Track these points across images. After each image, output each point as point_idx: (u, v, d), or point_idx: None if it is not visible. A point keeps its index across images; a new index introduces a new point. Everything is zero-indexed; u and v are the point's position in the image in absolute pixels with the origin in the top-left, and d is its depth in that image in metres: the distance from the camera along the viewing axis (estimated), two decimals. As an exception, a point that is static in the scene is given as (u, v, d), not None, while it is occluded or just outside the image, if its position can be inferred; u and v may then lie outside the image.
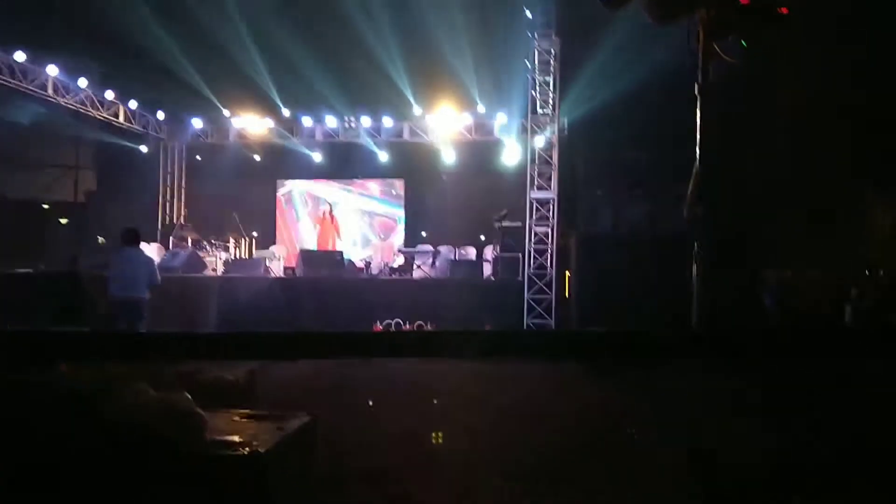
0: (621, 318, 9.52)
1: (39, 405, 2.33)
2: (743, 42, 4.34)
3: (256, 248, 15.71)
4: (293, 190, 17.27)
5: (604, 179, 10.99)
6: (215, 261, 14.28)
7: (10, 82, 12.79)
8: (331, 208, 15.41)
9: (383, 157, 16.30)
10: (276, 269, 14.09)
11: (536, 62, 12.57)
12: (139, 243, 8.51)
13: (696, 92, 4.09)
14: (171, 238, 15.30)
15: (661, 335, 1.89)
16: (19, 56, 12.86)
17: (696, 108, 4.19)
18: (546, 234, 12.57)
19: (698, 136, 4.14)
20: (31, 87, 13.29)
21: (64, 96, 14.03)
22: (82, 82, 14.36)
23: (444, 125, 15.32)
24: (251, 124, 16.22)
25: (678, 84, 4.64)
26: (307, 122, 16.07)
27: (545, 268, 12.40)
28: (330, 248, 14.40)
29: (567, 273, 13.13)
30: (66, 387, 2.40)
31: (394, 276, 13.80)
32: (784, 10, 4.09)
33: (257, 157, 16.74)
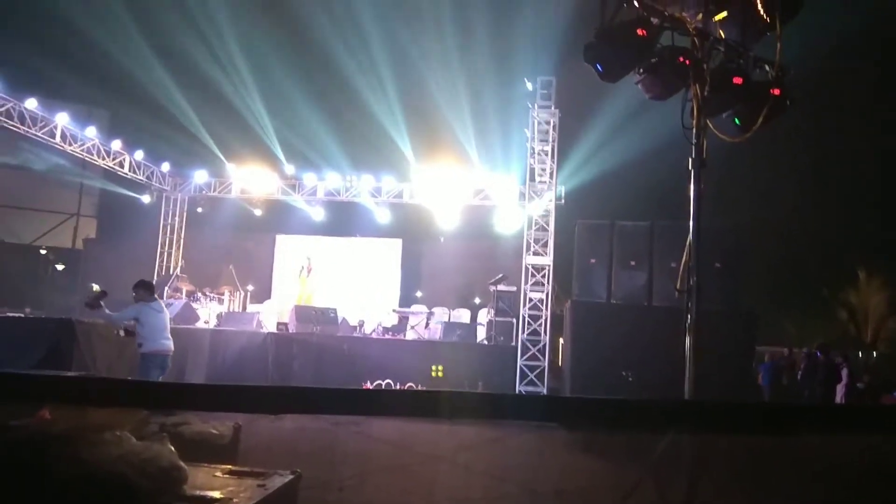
0: (614, 389, 9.42)
1: (17, 447, 2.29)
2: (736, 120, 4.47)
3: (251, 302, 15.65)
4: (291, 246, 17.33)
5: (599, 247, 11.08)
6: (209, 313, 14.20)
7: (19, 129, 13.00)
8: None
9: (382, 216, 16.45)
10: (270, 324, 13.99)
11: (535, 131, 12.87)
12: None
13: (690, 167, 4.18)
14: (165, 288, 15.25)
15: (649, 404, 1.88)
16: (31, 103, 13.12)
17: (689, 181, 4.28)
18: (541, 300, 12.57)
19: (692, 210, 4.21)
20: (39, 135, 13.50)
21: (71, 144, 14.24)
22: (90, 131, 14.61)
23: (443, 189, 15.53)
24: (254, 179, 16.43)
25: (676, 155, 4.75)
26: (309, 179, 16.28)
27: (539, 334, 12.35)
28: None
29: (560, 340, 13.08)
30: (45, 431, 2.36)
31: (387, 336, 13.70)
32: (776, 92, 4.23)
33: (258, 212, 16.89)
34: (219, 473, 2.89)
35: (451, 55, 15.40)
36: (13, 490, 2.16)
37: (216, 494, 2.52)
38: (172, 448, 2.56)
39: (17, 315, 12.71)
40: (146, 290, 7.97)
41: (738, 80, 4.25)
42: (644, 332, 9.80)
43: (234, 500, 2.47)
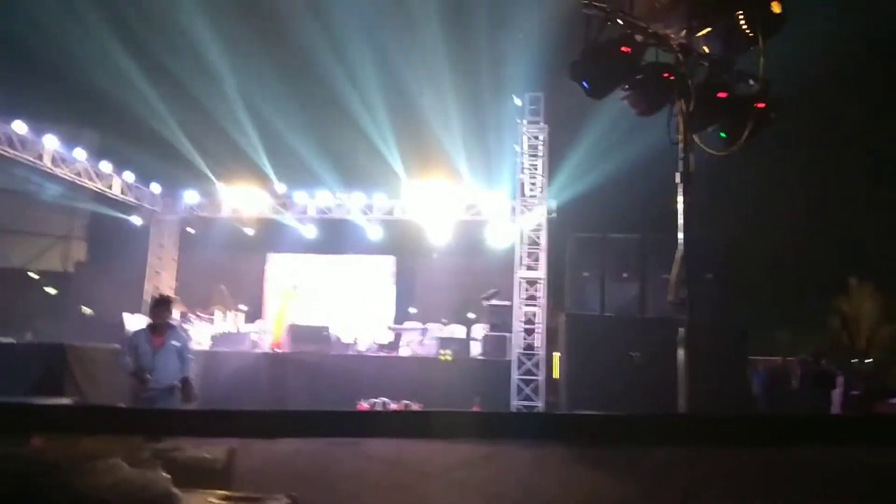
0: (610, 401, 9.42)
1: (9, 477, 2.27)
2: (722, 133, 4.53)
3: (245, 322, 15.57)
4: (282, 265, 17.27)
5: (592, 261, 11.12)
6: (200, 334, 14.11)
7: (7, 152, 12.96)
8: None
9: (375, 233, 16.45)
10: (263, 344, 13.92)
11: (525, 147, 12.95)
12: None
13: (677, 181, 4.22)
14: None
15: (641, 420, 1.89)
16: (18, 126, 13.07)
17: (677, 195, 4.32)
18: (534, 314, 12.58)
19: (680, 223, 4.25)
20: (28, 158, 13.45)
21: (60, 167, 14.20)
22: (79, 153, 14.56)
23: (434, 205, 15.58)
24: (245, 199, 16.41)
25: (666, 168, 4.79)
26: (300, 197, 16.28)
27: (533, 348, 12.35)
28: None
29: (556, 354, 13.08)
30: (38, 460, 2.34)
31: (381, 353, 13.65)
32: (761, 105, 4.29)
33: (249, 231, 16.85)
34: (213, 499, 2.88)
35: (440, 72, 15.50)
36: (6, 521, 2.15)
37: (211, 521, 2.50)
38: (166, 475, 2.55)
39: (7, 341, 12.60)
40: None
41: (722, 95, 4.30)
42: (638, 344, 9.83)
43: (230, 526, 2.46)
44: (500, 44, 14.69)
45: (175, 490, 2.47)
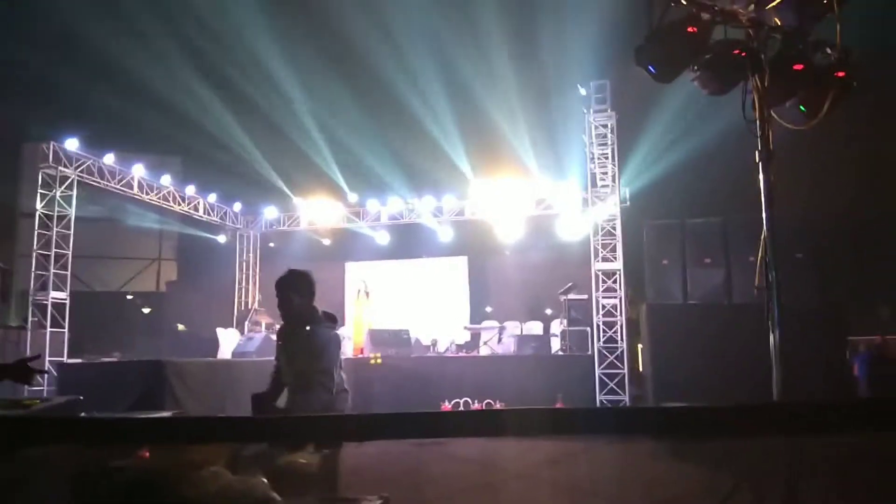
0: (699, 392, 9.14)
1: (120, 489, 2.42)
2: (802, 107, 4.31)
3: (327, 330, 15.97)
4: (360, 272, 17.63)
5: (671, 248, 10.81)
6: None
7: (99, 183, 13.83)
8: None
9: (446, 235, 16.58)
10: (347, 349, 14.25)
11: (593, 136, 12.73)
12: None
13: (757, 160, 4.05)
14: (245, 323, 15.80)
15: (732, 411, 1.83)
16: (108, 158, 13.94)
17: (758, 174, 4.14)
18: (614, 307, 12.35)
19: (763, 203, 4.08)
20: (118, 187, 14.31)
21: (148, 193, 15.03)
22: (165, 179, 15.38)
23: (504, 202, 15.55)
24: (320, 211, 16.91)
25: (743, 146, 4.61)
26: (372, 205, 16.64)
27: (615, 341, 12.12)
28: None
29: (639, 346, 12.79)
30: (147, 470, 2.48)
31: (460, 354, 13.73)
32: (841, 74, 4.06)
33: (326, 242, 17.34)
34: (310, 501, 2.98)
35: (502, 68, 15.44)
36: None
37: (309, 523, 2.60)
38: (265, 480, 2.66)
39: (110, 360, 13.43)
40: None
41: (798, 67, 4.09)
42: (727, 332, 9.48)
43: (327, 528, 2.54)
44: (561, 34, 14.49)
45: (274, 494, 2.58)
